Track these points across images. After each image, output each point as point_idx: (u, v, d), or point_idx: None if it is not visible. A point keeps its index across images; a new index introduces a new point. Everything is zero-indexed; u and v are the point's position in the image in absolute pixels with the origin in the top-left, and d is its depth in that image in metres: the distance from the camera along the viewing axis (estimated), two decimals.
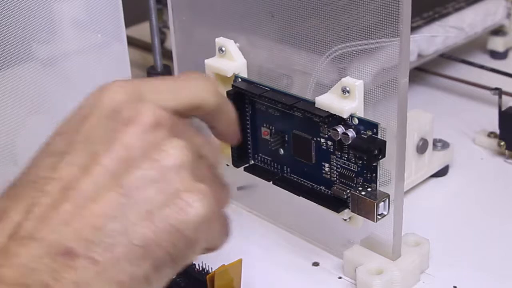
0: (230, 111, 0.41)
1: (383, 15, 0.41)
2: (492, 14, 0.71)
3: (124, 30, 0.54)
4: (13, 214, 0.33)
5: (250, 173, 0.49)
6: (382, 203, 0.44)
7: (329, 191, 0.46)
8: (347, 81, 0.43)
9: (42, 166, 0.35)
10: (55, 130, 0.37)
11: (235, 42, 0.49)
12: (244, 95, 0.48)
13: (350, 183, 0.44)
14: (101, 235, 0.33)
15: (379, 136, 0.43)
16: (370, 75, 0.43)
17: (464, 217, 0.54)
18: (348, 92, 0.43)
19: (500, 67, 0.68)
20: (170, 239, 0.34)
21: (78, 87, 0.54)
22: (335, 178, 0.45)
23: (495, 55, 0.75)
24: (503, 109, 0.59)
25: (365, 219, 0.44)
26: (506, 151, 0.60)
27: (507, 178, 0.58)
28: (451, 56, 0.70)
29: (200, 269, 0.45)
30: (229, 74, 0.48)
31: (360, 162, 0.44)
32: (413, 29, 0.62)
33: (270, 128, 0.47)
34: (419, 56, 0.65)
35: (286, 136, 0.47)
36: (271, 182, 0.48)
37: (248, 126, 0.49)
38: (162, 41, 0.73)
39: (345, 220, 0.46)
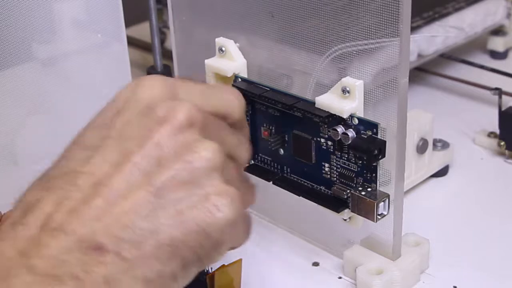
0: (247, 130, 0.42)
1: (383, 15, 0.41)
2: (492, 14, 0.71)
3: (124, 30, 0.54)
4: (44, 205, 0.34)
5: (250, 173, 0.49)
6: (382, 203, 0.44)
7: (329, 191, 0.46)
8: (347, 81, 0.43)
9: (75, 159, 0.35)
10: (89, 121, 0.37)
11: (235, 42, 0.49)
12: (244, 95, 0.48)
13: (350, 183, 0.44)
14: (131, 232, 0.33)
15: (379, 136, 0.43)
16: (370, 75, 0.43)
17: (464, 217, 0.54)
18: (348, 92, 0.43)
19: (500, 67, 0.68)
20: (198, 240, 0.35)
21: (78, 87, 0.54)
22: (335, 178, 0.45)
23: (495, 55, 0.75)
24: (503, 109, 0.59)
25: (365, 219, 0.44)
26: (506, 151, 0.60)
27: (507, 178, 0.58)
28: (451, 56, 0.70)
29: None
30: (229, 74, 0.48)
31: (360, 162, 0.44)
32: (413, 29, 0.62)
33: (270, 128, 0.47)
34: (419, 56, 0.65)
35: (286, 136, 0.47)
36: (271, 182, 0.48)
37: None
38: (162, 41, 0.73)
39: (345, 220, 0.46)
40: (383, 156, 0.43)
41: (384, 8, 0.41)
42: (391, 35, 0.41)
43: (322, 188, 0.46)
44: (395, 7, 0.40)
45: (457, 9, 0.67)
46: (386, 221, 0.45)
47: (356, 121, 0.43)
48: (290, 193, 0.47)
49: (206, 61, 0.49)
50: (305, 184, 0.47)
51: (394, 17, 0.41)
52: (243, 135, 0.41)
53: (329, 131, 0.44)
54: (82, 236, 0.33)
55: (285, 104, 0.45)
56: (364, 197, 0.43)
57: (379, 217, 0.44)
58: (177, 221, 0.34)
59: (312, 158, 0.46)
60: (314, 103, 0.44)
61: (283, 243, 0.52)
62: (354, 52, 0.44)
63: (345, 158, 0.44)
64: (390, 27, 0.41)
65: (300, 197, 0.47)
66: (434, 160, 0.57)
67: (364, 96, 0.43)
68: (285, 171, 0.48)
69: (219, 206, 0.35)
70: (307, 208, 0.48)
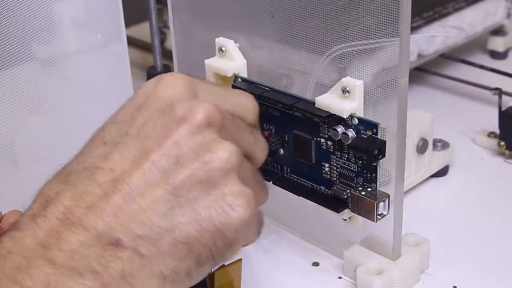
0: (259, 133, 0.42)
1: (383, 15, 0.41)
2: (492, 14, 0.71)
3: (124, 30, 0.54)
4: (64, 199, 0.34)
5: None
6: (382, 203, 0.44)
7: (329, 191, 0.46)
8: (347, 81, 0.43)
9: (95, 154, 0.36)
10: (110, 116, 0.38)
11: (235, 42, 0.49)
12: None
13: (350, 183, 0.44)
14: (148, 230, 0.34)
15: (379, 136, 0.43)
16: (370, 75, 0.43)
17: (464, 217, 0.54)
18: (348, 92, 0.43)
19: (500, 67, 0.68)
20: (212, 239, 0.35)
21: (78, 87, 0.54)
22: (335, 178, 0.45)
23: (495, 55, 0.75)
24: (503, 109, 0.59)
25: (365, 219, 0.44)
26: (506, 151, 0.60)
27: (507, 178, 0.58)
28: (451, 56, 0.70)
29: None
30: (229, 74, 0.48)
31: (360, 162, 0.44)
32: (413, 29, 0.62)
33: (270, 128, 0.47)
34: (419, 56, 0.65)
35: (286, 136, 0.47)
36: (271, 182, 0.48)
37: None
38: (162, 41, 0.73)
39: (345, 220, 0.46)
40: (383, 156, 0.43)
41: (384, 8, 0.41)
42: (391, 35, 0.41)
43: (322, 188, 0.46)
44: (395, 7, 0.40)
45: (457, 9, 0.67)
46: (386, 221, 0.45)
47: (356, 121, 0.43)
48: (290, 193, 0.47)
49: (206, 61, 0.49)
50: (305, 184, 0.47)
51: (394, 17, 0.41)
52: (259, 134, 0.41)
53: (329, 131, 0.44)
54: (101, 232, 0.33)
55: (285, 104, 0.45)
56: (364, 197, 0.43)
57: (379, 217, 0.44)
58: (193, 220, 0.35)
59: (312, 158, 0.46)
60: (314, 103, 0.44)
61: (283, 243, 0.52)
62: (354, 52, 0.44)
63: (345, 158, 0.44)
64: (390, 27, 0.41)
65: (300, 197, 0.47)
66: (434, 160, 0.57)
67: (364, 96, 0.43)
68: (285, 171, 0.48)
69: (234, 207, 0.36)
70: (307, 208, 0.48)
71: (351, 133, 0.43)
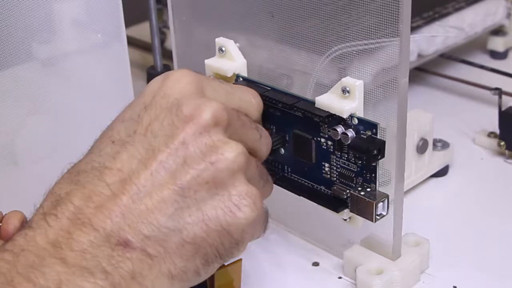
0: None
1: (383, 15, 0.41)
2: (492, 14, 0.71)
3: (124, 30, 0.54)
4: (74, 199, 0.35)
5: None
6: (381, 203, 0.43)
7: (329, 191, 0.46)
8: (347, 81, 0.43)
9: (103, 153, 0.36)
10: (118, 115, 0.38)
11: (235, 42, 0.49)
12: None
13: (350, 183, 0.44)
14: (156, 230, 0.35)
15: (378, 136, 0.43)
16: (370, 75, 0.43)
17: (464, 217, 0.54)
18: (348, 92, 0.43)
19: (500, 67, 0.68)
20: (219, 239, 0.36)
21: (78, 87, 0.54)
22: (335, 178, 0.45)
23: (495, 55, 0.75)
24: (503, 109, 0.59)
25: (365, 219, 0.44)
26: (506, 151, 0.60)
27: (507, 178, 0.58)
28: (451, 56, 0.70)
29: None
30: (229, 74, 0.48)
31: (360, 162, 0.44)
32: (413, 29, 0.62)
33: (271, 127, 0.47)
34: (419, 56, 0.65)
35: (286, 135, 0.47)
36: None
37: None
38: (162, 41, 0.73)
39: (345, 220, 0.46)
40: (382, 156, 0.43)
41: (384, 8, 0.41)
42: (391, 35, 0.41)
43: (322, 188, 0.46)
44: (395, 7, 0.40)
45: (457, 9, 0.67)
46: (386, 221, 0.45)
47: (355, 121, 0.43)
48: (290, 193, 0.47)
49: (206, 61, 0.49)
50: (305, 184, 0.47)
51: (394, 17, 0.41)
52: (263, 130, 0.42)
53: (329, 131, 0.44)
54: (109, 232, 0.34)
55: (285, 103, 0.45)
56: (363, 197, 0.43)
57: (378, 217, 0.44)
58: (200, 220, 0.35)
59: (312, 158, 0.46)
60: (314, 103, 0.44)
61: (283, 243, 0.52)
62: (354, 52, 0.44)
63: (345, 158, 0.44)
64: (390, 27, 0.41)
65: (300, 197, 0.47)
66: (434, 160, 0.57)
67: (364, 96, 0.43)
68: (286, 171, 0.48)
69: (241, 207, 0.36)
70: (307, 208, 0.48)
71: (350, 133, 0.43)
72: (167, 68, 0.66)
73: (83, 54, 0.54)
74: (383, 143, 0.42)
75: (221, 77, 0.49)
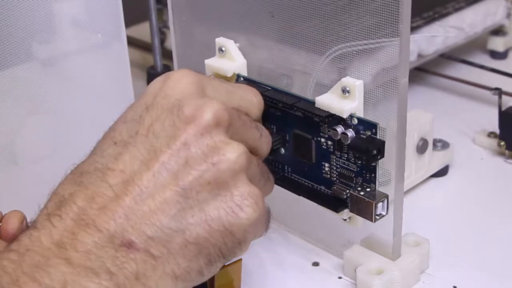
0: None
1: (383, 15, 0.41)
2: (492, 14, 0.71)
3: (124, 30, 0.54)
4: (77, 200, 0.35)
5: None
6: (381, 203, 0.43)
7: (329, 191, 0.46)
8: (347, 81, 0.43)
9: (106, 154, 0.37)
10: (120, 115, 0.38)
11: (235, 42, 0.49)
12: None
13: (350, 183, 0.44)
14: (159, 231, 0.35)
15: (378, 136, 0.43)
16: (370, 75, 0.43)
17: (464, 217, 0.54)
18: (348, 92, 0.43)
19: (500, 67, 0.68)
20: (222, 239, 0.36)
21: (78, 87, 0.54)
22: (335, 178, 0.45)
23: (495, 55, 0.75)
24: (503, 109, 0.59)
25: (365, 219, 0.44)
26: (506, 151, 0.60)
27: (507, 178, 0.58)
28: (451, 56, 0.70)
29: None
30: (229, 74, 0.48)
31: (360, 162, 0.44)
32: (413, 29, 0.62)
33: (271, 127, 0.47)
34: (419, 56, 0.65)
35: (287, 135, 0.47)
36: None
37: None
38: (162, 41, 0.73)
39: (345, 220, 0.46)
40: (382, 156, 0.43)
41: (384, 8, 0.41)
42: (391, 35, 0.41)
43: (322, 188, 0.46)
44: (395, 7, 0.40)
45: (457, 9, 0.67)
46: (386, 221, 0.45)
47: (355, 121, 0.43)
48: (290, 193, 0.47)
49: (206, 61, 0.49)
50: (305, 183, 0.47)
51: (394, 17, 0.41)
52: (264, 129, 0.42)
53: (329, 131, 0.44)
54: (113, 233, 0.34)
55: (285, 103, 0.45)
56: (363, 197, 0.43)
57: (377, 217, 0.44)
58: (203, 221, 0.36)
59: (313, 157, 0.46)
60: (314, 103, 0.44)
61: (283, 243, 0.52)
62: (354, 52, 0.44)
63: (345, 158, 0.44)
64: (390, 27, 0.41)
65: (300, 197, 0.47)
66: (434, 160, 0.57)
67: (364, 96, 0.43)
68: (286, 171, 0.48)
69: (243, 207, 0.36)
70: (307, 208, 0.48)
71: (350, 133, 0.43)
72: (167, 68, 0.66)
73: (83, 54, 0.54)
74: (382, 143, 0.42)
75: (221, 77, 0.49)
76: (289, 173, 0.48)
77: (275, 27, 0.48)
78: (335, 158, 0.45)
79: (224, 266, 0.43)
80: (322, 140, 0.45)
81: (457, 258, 0.50)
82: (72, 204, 0.35)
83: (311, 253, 0.51)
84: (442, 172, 0.58)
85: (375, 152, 0.42)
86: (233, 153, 0.36)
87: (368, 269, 0.46)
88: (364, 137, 0.43)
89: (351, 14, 0.43)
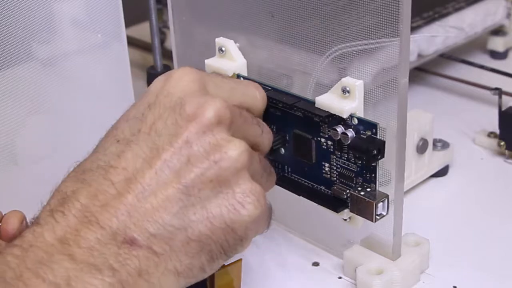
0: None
1: (383, 15, 0.41)
2: (492, 14, 0.71)
3: (124, 30, 0.54)
4: (80, 197, 0.35)
5: None
6: (381, 203, 0.43)
7: (329, 191, 0.46)
8: (347, 81, 0.43)
9: (108, 152, 0.37)
10: (123, 113, 0.39)
11: (235, 42, 0.49)
12: None
13: (350, 183, 0.44)
14: (161, 228, 0.35)
15: (378, 136, 0.43)
16: (370, 75, 0.43)
17: (464, 217, 0.54)
18: (348, 92, 0.43)
19: (500, 67, 0.68)
20: (224, 236, 0.36)
21: (78, 87, 0.54)
22: (335, 178, 0.45)
23: (495, 55, 0.75)
24: (503, 109, 0.59)
25: (365, 219, 0.44)
26: (506, 151, 0.60)
27: (507, 178, 0.58)
28: (451, 56, 0.70)
29: None
30: (229, 74, 0.48)
31: (360, 162, 0.44)
32: (413, 29, 0.62)
33: (271, 127, 0.47)
34: (419, 56, 0.65)
35: (287, 135, 0.47)
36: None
37: None
38: (162, 41, 0.73)
39: (345, 220, 0.46)
40: (382, 156, 0.43)
41: (384, 8, 0.41)
42: (391, 35, 0.41)
43: (322, 188, 0.46)
44: (395, 7, 0.40)
45: (457, 9, 0.67)
46: (386, 221, 0.45)
47: (355, 121, 0.43)
48: (290, 193, 0.47)
49: (206, 61, 0.49)
50: (305, 184, 0.47)
51: (394, 17, 0.41)
52: (265, 125, 0.42)
53: (329, 131, 0.44)
54: (115, 230, 0.34)
55: (286, 103, 0.45)
56: (363, 197, 0.43)
57: (378, 217, 0.44)
58: (205, 218, 0.36)
59: (313, 157, 0.46)
60: (314, 103, 0.44)
61: (283, 243, 0.52)
62: (354, 52, 0.44)
63: (345, 158, 0.44)
64: (390, 27, 0.41)
65: (300, 197, 0.47)
66: (434, 160, 0.57)
67: (364, 96, 0.43)
68: (286, 171, 0.48)
69: (245, 204, 0.37)
70: (307, 208, 0.48)
71: (350, 133, 0.43)
72: (167, 68, 0.66)
73: (83, 54, 0.54)
74: (383, 143, 0.42)
75: None
76: (289, 173, 0.48)
77: (275, 27, 0.48)
78: (335, 158, 0.45)
79: (224, 266, 0.43)
80: (322, 140, 0.45)
81: (457, 258, 0.50)
82: (75, 201, 0.35)
83: (311, 253, 0.51)
84: (442, 172, 0.58)
85: (375, 152, 0.42)
86: (235, 151, 0.37)
87: (368, 269, 0.46)
88: (365, 137, 0.43)
89: (351, 14, 0.43)
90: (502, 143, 0.59)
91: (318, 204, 0.46)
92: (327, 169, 0.45)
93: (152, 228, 0.35)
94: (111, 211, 0.35)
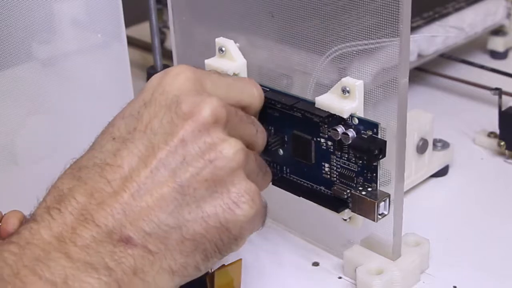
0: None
1: (383, 15, 0.41)
2: (492, 14, 0.71)
3: (124, 30, 0.54)
4: (76, 195, 0.35)
5: None
6: (383, 202, 0.43)
7: (329, 191, 0.46)
8: (347, 81, 0.43)
9: (104, 150, 0.37)
10: (119, 111, 0.39)
11: (235, 42, 0.49)
12: None
13: (350, 183, 0.44)
14: (156, 227, 0.35)
15: (379, 136, 0.42)
16: (370, 75, 0.43)
17: (464, 217, 0.54)
18: (348, 92, 0.43)
19: (500, 67, 0.68)
20: (218, 235, 0.37)
21: (78, 87, 0.54)
22: (335, 178, 0.45)
23: (495, 55, 0.75)
24: (503, 109, 0.59)
25: (365, 219, 0.44)
26: (506, 151, 0.60)
27: (507, 178, 0.58)
28: (451, 56, 0.70)
29: None
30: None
31: (360, 162, 0.44)
32: (413, 29, 0.62)
33: (270, 128, 0.47)
34: (419, 56, 0.65)
35: (285, 136, 0.47)
36: (270, 183, 0.48)
37: None
38: (162, 41, 0.73)
39: (345, 220, 0.46)
40: (384, 156, 0.43)
41: (384, 8, 0.41)
42: (391, 35, 0.41)
43: (322, 188, 0.46)
44: (395, 7, 0.40)
45: (457, 9, 0.67)
46: (386, 221, 0.45)
47: (356, 121, 0.43)
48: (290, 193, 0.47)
49: (206, 61, 0.49)
50: (305, 184, 0.47)
51: (394, 17, 0.41)
52: (259, 124, 0.42)
53: (329, 131, 0.44)
54: (111, 229, 0.34)
55: (285, 104, 0.45)
56: (365, 197, 0.43)
57: (379, 216, 0.44)
58: (200, 217, 0.36)
59: (312, 158, 0.46)
60: (314, 103, 0.44)
61: (283, 243, 0.52)
62: (354, 52, 0.44)
63: (345, 158, 0.44)
64: (390, 27, 0.41)
65: (300, 197, 0.47)
66: (434, 160, 0.57)
67: (364, 96, 0.43)
68: (285, 172, 0.48)
69: (240, 204, 0.37)
70: (307, 208, 0.48)
71: (351, 133, 0.43)
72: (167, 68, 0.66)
73: (83, 54, 0.54)
74: (384, 143, 0.42)
75: None
76: (288, 174, 0.48)
77: (275, 27, 0.48)
78: (335, 158, 0.45)
79: (224, 266, 0.43)
80: (322, 140, 0.45)
81: (457, 258, 0.50)
82: (71, 199, 0.35)
83: (311, 253, 0.51)
84: (442, 172, 0.58)
85: (376, 151, 0.42)
86: (230, 150, 0.37)
87: (368, 269, 0.46)
88: (365, 137, 0.43)
89: (351, 14, 0.43)
90: (502, 143, 0.59)
91: (319, 204, 0.46)
92: (327, 169, 0.45)
93: (148, 227, 0.35)
94: (107, 210, 0.35)
